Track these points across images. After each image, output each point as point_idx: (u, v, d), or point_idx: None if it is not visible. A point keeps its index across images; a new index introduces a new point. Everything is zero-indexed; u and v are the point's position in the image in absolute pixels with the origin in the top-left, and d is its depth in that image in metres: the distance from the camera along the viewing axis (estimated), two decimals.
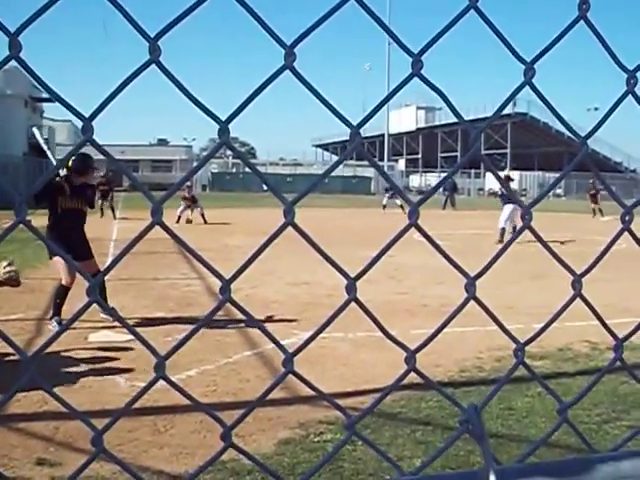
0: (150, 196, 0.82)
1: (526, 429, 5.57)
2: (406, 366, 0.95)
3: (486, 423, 0.99)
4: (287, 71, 0.86)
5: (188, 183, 30.83)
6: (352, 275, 0.93)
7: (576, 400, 1.13)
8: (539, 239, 1.03)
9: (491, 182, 70.79)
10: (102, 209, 28.60)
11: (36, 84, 1.03)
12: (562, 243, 18.73)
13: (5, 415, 5.69)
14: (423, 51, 0.90)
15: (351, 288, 0.90)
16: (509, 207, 20.48)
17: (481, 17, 0.89)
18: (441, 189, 55.99)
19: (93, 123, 0.81)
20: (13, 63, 0.82)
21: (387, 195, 37.93)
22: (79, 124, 0.81)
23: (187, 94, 0.81)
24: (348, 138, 0.87)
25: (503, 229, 20.30)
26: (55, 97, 0.79)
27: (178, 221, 26.36)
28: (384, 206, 36.57)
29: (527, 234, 1.08)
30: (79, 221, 9.13)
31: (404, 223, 0.90)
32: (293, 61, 0.83)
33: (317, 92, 0.85)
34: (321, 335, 1.01)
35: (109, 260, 15.59)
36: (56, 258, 8.61)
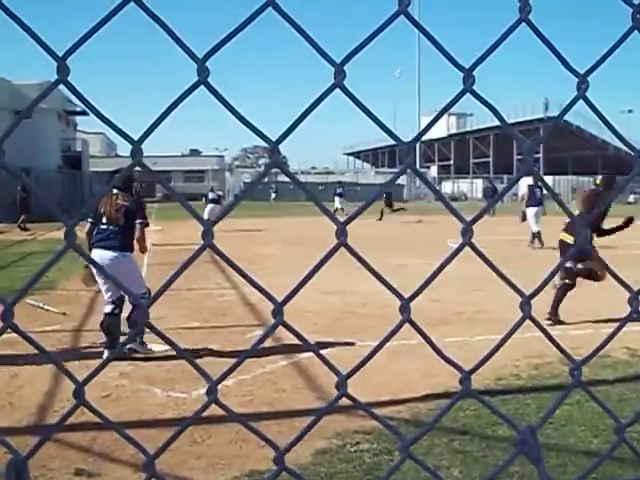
0: (201, 219, 0.81)
1: (565, 438, 5.49)
2: (459, 385, 0.94)
3: None
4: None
5: (220, 193, 31.02)
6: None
7: (634, 421, 1.10)
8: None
9: (524, 187, 70.16)
10: None
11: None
12: None
13: (43, 426, 5.75)
14: (475, 66, 0.88)
15: (405, 308, 0.89)
16: (533, 210, 20.66)
17: (533, 30, 0.86)
18: (482, 196, 55.96)
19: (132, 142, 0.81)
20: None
21: (339, 199, 39.51)
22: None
23: (236, 114, 0.80)
24: (402, 151, 0.86)
25: (538, 232, 20.22)
26: (105, 121, 0.79)
27: None
28: (342, 209, 37.12)
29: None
30: None
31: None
32: (343, 79, 0.81)
33: (368, 110, 0.84)
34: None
35: (144, 270, 15.71)
36: None
